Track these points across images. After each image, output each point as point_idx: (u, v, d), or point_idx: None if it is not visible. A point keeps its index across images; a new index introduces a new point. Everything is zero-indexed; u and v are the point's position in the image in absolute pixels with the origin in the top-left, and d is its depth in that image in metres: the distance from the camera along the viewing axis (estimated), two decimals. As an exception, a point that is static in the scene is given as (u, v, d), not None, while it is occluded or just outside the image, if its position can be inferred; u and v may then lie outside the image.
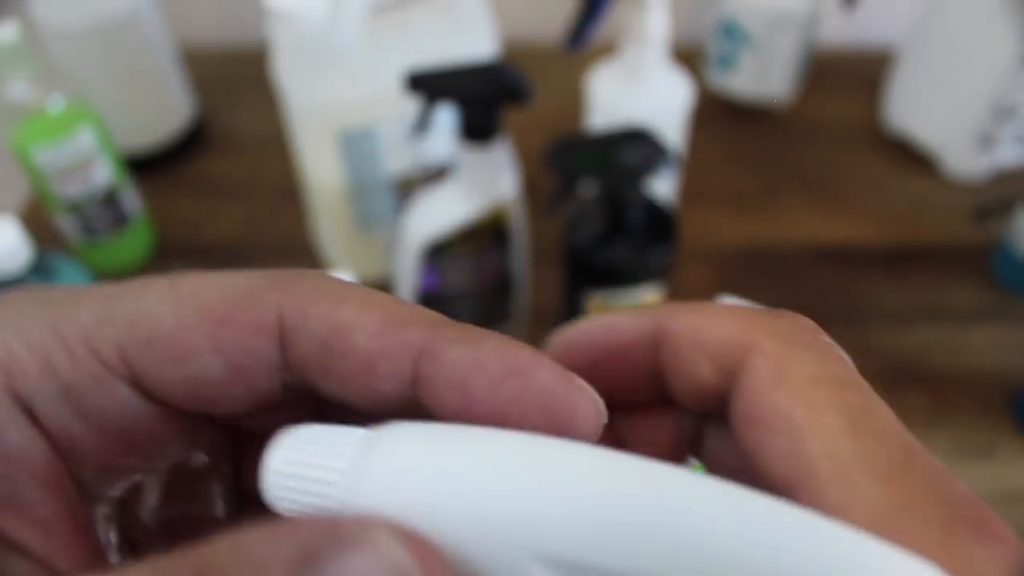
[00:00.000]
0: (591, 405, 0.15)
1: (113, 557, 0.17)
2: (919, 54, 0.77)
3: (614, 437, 0.17)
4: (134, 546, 0.18)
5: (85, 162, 0.62)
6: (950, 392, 0.61)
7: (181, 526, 0.18)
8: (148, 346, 0.15)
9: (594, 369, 0.16)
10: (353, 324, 0.15)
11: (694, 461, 0.18)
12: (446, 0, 0.59)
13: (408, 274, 0.58)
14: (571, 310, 0.58)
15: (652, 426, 0.18)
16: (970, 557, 0.12)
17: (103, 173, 0.64)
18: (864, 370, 0.15)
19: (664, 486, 0.13)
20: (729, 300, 0.58)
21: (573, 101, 0.73)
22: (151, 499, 0.18)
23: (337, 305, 0.16)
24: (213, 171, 0.79)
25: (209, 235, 0.73)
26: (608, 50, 0.68)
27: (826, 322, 0.15)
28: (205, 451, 0.18)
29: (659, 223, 0.54)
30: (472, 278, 0.59)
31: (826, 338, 0.16)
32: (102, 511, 0.17)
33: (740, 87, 0.82)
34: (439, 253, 0.57)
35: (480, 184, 0.54)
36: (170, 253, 0.72)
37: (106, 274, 0.68)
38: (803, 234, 0.73)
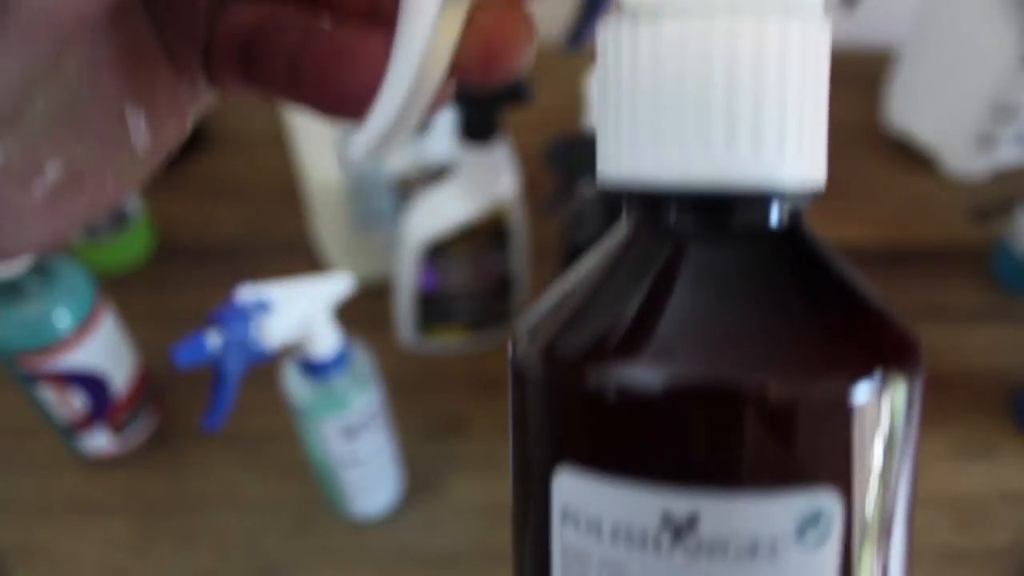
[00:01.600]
0: None
1: None
2: (919, 54, 0.77)
3: None
4: None
5: (85, 162, 0.62)
6: (950, 392, 0.61)
7: None
8: None
9: None
10: None
11: None
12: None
13: (408, 274, 0.58)
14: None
15: None
16: None
17: (103, 173, 0.64)
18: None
19: None
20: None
21: (573, 101, 0.73)
22: None
23: None
24: (213, 171, 0.79)
25: (209, 235, 0.73)
26: (608, 50, 0.68)
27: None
28: None
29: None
30: (472, 278, 0.59)
31: None
32: None
33: (740, 87, 0.82)
34: (439, 253, 0.57)
35: (480, 184, 0.54)
36: (170, 253, 0.72)
37: (106, 274, 0.68)
38: (803, 234, 0.73)
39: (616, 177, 0.15)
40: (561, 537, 0.14)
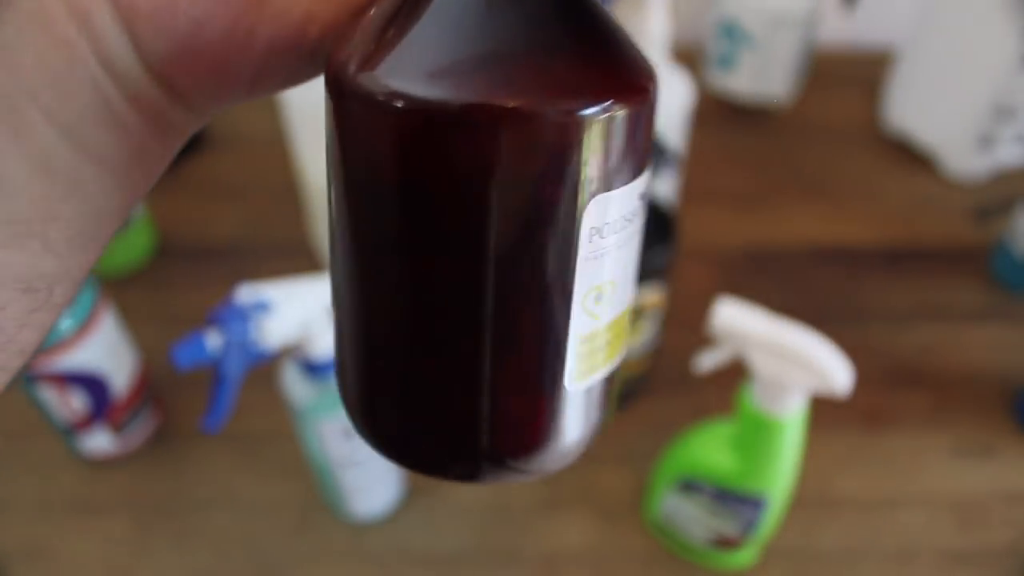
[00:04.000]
0: None
1: None
2: (919, 54, 0.77)
3: None
4: None
5: (85, 162, 0.62)
6: (950, 392, 0.61)
7: None
8: None
9: None
10: None
11: None
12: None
13: (408, 274, 0.58)
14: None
15: None
16: None
17: (103, 173, 0.64)
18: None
19: None
20: (728, 303, 0.58)
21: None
22: None
23: None
24: (213, 171, 0.79)
25: (209, 235, 0.73)
26: (608, 50, 0.68)
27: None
28: None
29: (659, 223, 0.54)
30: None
31: None
32: None
33: (740, 87, 0.82)
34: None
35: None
36: (170, 253, 0.72)
37: (106, 274, 0.68)
38: (803, 234, 0.73)
39: None
40: None
